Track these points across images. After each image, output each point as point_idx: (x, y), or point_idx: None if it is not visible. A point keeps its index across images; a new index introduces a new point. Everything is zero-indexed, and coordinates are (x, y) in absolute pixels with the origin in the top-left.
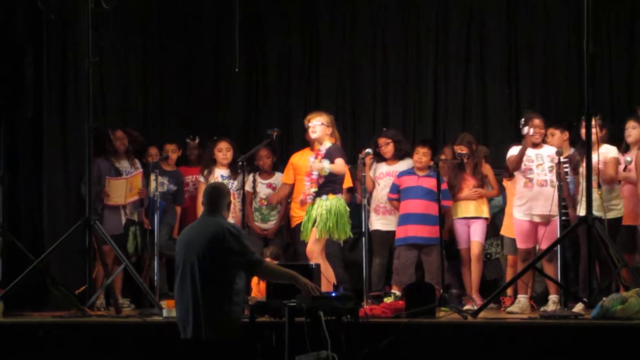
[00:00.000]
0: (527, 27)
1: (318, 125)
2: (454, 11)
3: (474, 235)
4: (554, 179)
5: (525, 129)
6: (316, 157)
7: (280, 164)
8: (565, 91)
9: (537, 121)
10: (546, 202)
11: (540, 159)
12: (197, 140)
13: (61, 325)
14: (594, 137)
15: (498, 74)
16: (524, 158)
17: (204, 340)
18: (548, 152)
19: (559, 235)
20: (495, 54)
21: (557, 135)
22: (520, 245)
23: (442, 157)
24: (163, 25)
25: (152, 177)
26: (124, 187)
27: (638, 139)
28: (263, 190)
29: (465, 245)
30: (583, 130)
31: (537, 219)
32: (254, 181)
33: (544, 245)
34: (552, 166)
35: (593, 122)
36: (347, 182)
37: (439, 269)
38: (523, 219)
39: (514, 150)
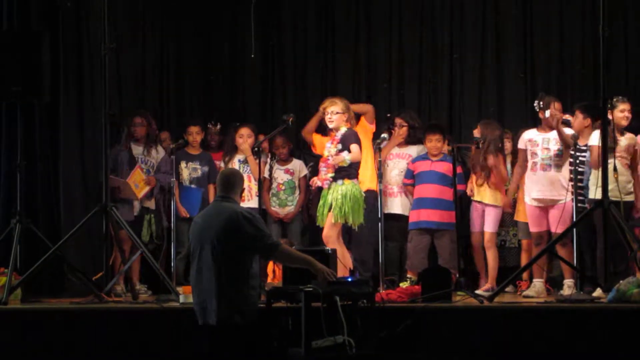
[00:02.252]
0: (542, 9)
1: (334, 115)
2: None
3: (487, 224)
4: (560, 163)
5: (548, 112)
6: (332, 143)
7: (296, 150)
8: (581, 75)
9: (557, 105)
10: (549, 186)
11: (547, 142)
12: (218, 126)
13: (78, 311)
14: (624, 122)
15: (514, 57)
16: (530, 143)
17: (221, 326)
18: (555, 135)
19: (573, 219)
20: (511, 37)
21: (579, 119)
22: (532, 228)
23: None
24: (179, 11)
25: (182, 165)
26: (128, 186)
27: None
28: (281, 175)
29: (477, 229)
30: (612, 115)
31: (541, 204)
32: (271, 168)
33: (555, 229)
34: (559, 149)
35: (625, 106)
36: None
37: (452, 254)
38: (530, 203)
39: (523, 141)
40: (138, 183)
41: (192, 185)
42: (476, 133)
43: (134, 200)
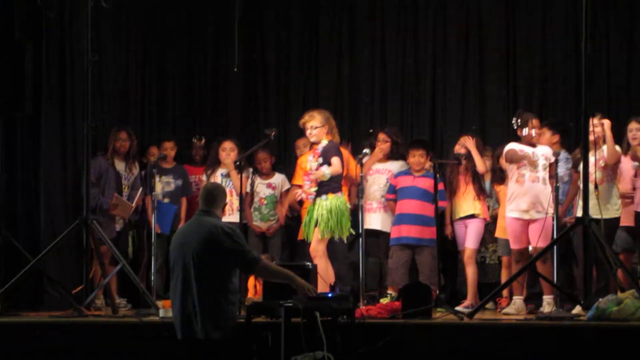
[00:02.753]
0: (525, 27)
1: (314, 129)
2: (452, 10)
3: (467, 240)
4: (546, 177)
5: (525, 130)
6: (313, 157)
7: (279, 163)
8: (563, 92)
9: (535, 121)
10: (535, 198)
11: (536, 156)
12: (203, 141)
13: (58, 325)
14: (595, 137)
15: (496, 74)
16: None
17: (200, 340)
18: (542, 151)
19: (553, 235)
20: (493, 55)
21: (547, 136)
22: (512, 245)
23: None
24: (162, 24)
25: (157, 178)
26: (129, 208)
27: None
28: (263, 190)
29: (463, 247)
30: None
31: (525, 216)
32: (253, 182)
33: (535, 243)
34: (545, 165)
35: (596, 122)
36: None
37: (432, 270)
38: (512, 216)
39: (512, 145)
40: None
41: (166, 200)
42: (457, 149)
43: (122, 217)
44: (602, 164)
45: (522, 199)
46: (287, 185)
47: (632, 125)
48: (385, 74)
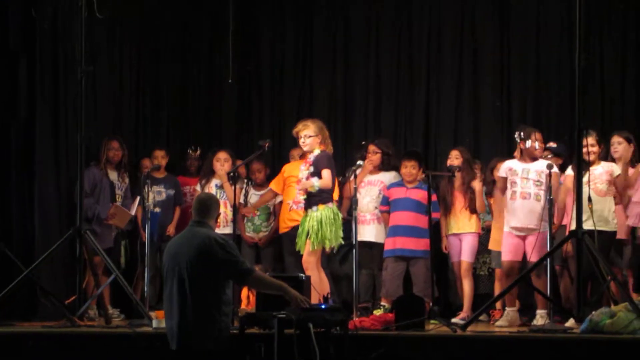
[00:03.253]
0: (519, 39)
1: (307, 138)
2: (446, 22)
3: (463, 253)
4: (540, 193)
5: (528, 143)
6: (305, 165)
7: (273, 176)
8: (557, 104)
9: (538, 135)
10: (528, 214)
11: (527, 172)
12: (198, 152)
13: (51, 335)
14: (590, 156)
15: (490, 85)
16: (511, 172)
17: (193, 351)
18: (536, 166)
19: (548, 249)
20: (487, 66)
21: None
22: (504, 257)
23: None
24: (157, 35)
25: (145, 189)
26: (127, 218)
27: (623, 154)
28: (255, 200)
29: (456, 258)
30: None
31: (518, 232)
32: (246, 192)
33: (533, 258)
34: (538, 180)
35: (591, 141)
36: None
37: (426, 281)
38: (507, 230)
39: (504, 169)
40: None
41: (157, 210)
42: (450, 161)
43: (119, 227)
44: (606, 178)
45: (514, 216)
46: (280, 197)
47: (614, 139)
48: (380, 85)
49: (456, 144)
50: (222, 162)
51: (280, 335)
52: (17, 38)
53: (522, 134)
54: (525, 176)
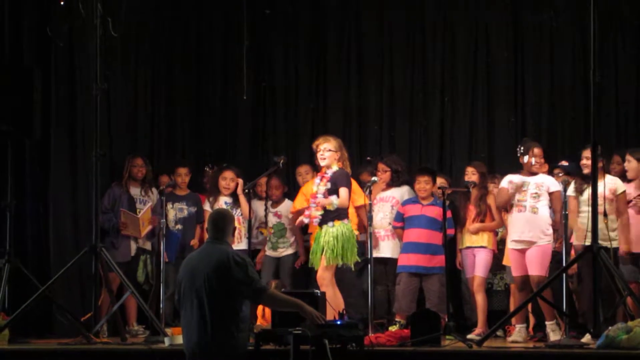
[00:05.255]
0: (533, 54)
1: (327, 152)
2: (460, 37)
3: (477, 269)
4: (537, 205)
5: (526, 158)
6: (321, 180)
7: (289, 192)
8: (571, 119)
9: (537, 150)
10: (524, 226)
11: (526, 185)
12: (215, 169)
13: (66, 352)
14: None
15: (504, 103)
16: (511, 185)
17: None
18: (537, 180)
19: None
20: (502, 82)
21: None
22: (514, 273)
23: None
24: (171, 52)
25: (169, 206)
26: (138, 223)
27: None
28: (270, 219)
29: (471, 274)
30: (582, 162)
31: (518, 245)
32: (266, 210)
33: (531, 271)
34: (536, 193)
35: (586, 154)
36: (359, 201)
37: (439, 297)
38: (510, 246)
39: (506, 180)
40: (144, 221)
41: (178, 227)
42: (467, 177)
43: (136, 237)
44: (607, 196)
45: (512, 229)
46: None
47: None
48: (394, 101)
49: (471, 160)
50: (228, 182)
51: (296, 351)
52: (32, 55)
53: (522, 148)
54: (524, 189)
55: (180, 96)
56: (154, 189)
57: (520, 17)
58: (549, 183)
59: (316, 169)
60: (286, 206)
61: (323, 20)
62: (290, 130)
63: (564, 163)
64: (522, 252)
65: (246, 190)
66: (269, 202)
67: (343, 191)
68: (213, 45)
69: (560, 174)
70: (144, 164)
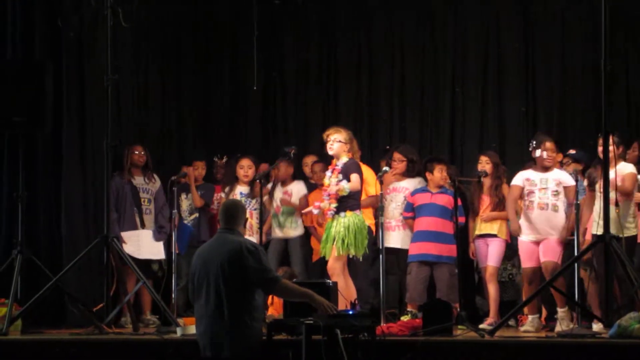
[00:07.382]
0: (544, 45)
1: (336, 142)
2: (471, 30)
3: (490, 258)
4: (557, 203)
5: (538, 152)
6: (332, 172)
7: (297, 174)
8: (582, 109)
9: (549, 144)
10: (545, 224)
11: (545, 182)
12: (224, 159)
13: (79, 342)
14: (610, 155)
15: (515, 93)
16: (528, 182)
17: (224, 358)
18: (554, 176)
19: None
20: (512, 73)
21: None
22: (524, 264)
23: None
24: (181, 43)
25: (182, 196)
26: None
27: None
28: (279, 196)
29: (484, 264)
30: (600, 149)
31: (532, 238)
32: (273, 187)
33: (545, 257)
34: (556, 190)
35: (610, 140)
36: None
37: (450, 287)
38: (523, 239)
39: (521, 178)
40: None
41: (187, 220)
42: (481, 166)
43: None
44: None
45: (531, 226)
46: (303, 191)
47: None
48: (404, 92)
49: (482, 150)
50: (246, 169)
51: (308, 341)
52: (43, 47)
53: (534, 142)
54: (544, 186)
55: (190, 87)
56: (156, 176)
57: (530, 7)
58: (565, 178)
59: (323, 158)
60: (297, 186)
61: (333, 10)
62: (301, 121)
63: (572, 152)
64: (536, 243)
65: (257, 180)
66: (278, 182)
67: (354, 176)
68: (223, 35)
69: (569, 163)
70: (143, 151)
